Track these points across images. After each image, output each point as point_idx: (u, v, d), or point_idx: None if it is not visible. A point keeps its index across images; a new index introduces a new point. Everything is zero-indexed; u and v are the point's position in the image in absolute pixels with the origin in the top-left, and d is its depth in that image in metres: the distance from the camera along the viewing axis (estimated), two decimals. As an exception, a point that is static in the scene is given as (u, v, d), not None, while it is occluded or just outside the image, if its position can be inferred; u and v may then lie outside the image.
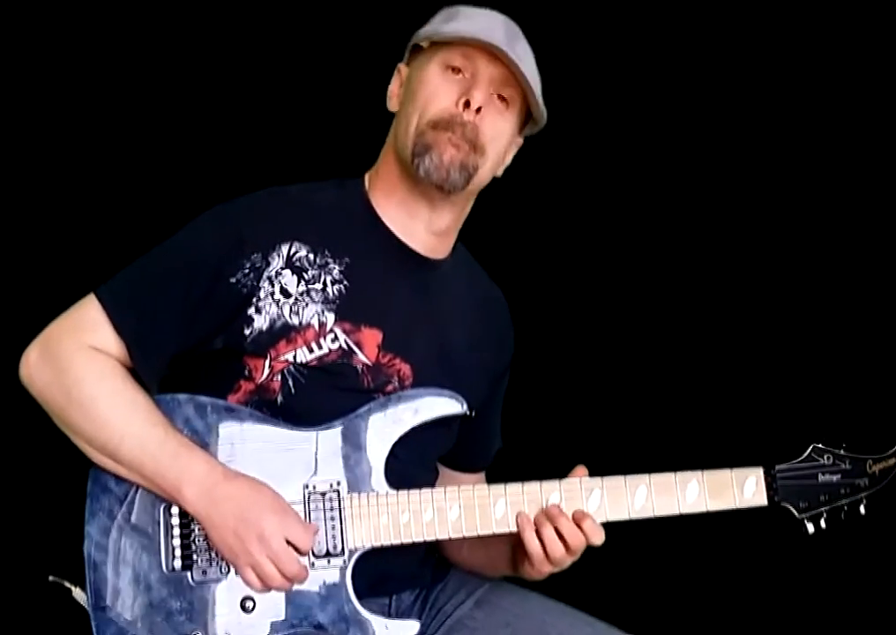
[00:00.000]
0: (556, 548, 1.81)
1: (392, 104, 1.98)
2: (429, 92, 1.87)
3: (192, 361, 1.93)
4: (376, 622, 1.83)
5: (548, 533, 1.81)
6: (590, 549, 2.70)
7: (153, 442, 1.80)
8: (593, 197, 2.83)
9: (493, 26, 1.88)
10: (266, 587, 1.78)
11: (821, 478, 1.87)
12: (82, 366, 1.83)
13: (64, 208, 2.65)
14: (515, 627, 1.92)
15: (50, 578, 1.87)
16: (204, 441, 1.84)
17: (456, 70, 1.88)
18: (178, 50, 2.68)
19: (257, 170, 2.52)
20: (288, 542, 1.77)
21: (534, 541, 1.81)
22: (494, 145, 1.90)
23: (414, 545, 1.93)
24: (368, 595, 1.86)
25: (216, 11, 2.68)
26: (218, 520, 1.77)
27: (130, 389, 1.84)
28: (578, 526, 1.81)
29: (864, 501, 1.88)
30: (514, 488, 1.86)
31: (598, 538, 1.82)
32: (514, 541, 1.90)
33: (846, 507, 1.88)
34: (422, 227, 1.95)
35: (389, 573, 1.93)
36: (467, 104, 1.85)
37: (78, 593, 1.85)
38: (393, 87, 1.99)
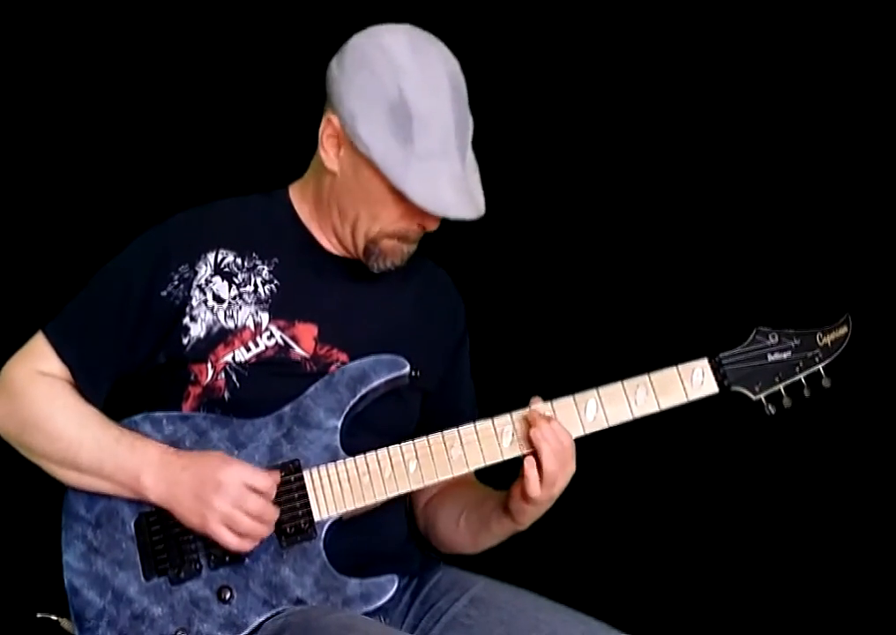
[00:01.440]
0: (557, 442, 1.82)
1: (329, 162, 1.89)
2: (387, 213, 1.87)
3: (142, 381, 1.98)
4: (352, 584, 1.81)
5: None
6: (583, 548, 2.66)
7: (109, 441, 1.86)
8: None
9: (453, 167, 1.83)
10: (243, 538, 1.79)
11: (771, 357, 1.84)
12: (33, 389, 1.90)
13: (17, 247, 2.69)
14: (510, 625, 1.87)
15: (38, 615, 1.89)
16: None
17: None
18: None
19: (187, 190, 2.52)
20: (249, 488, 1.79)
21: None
22: None
23: (391, 520, 1.95)
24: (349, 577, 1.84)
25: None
26: (178, 492, 1.81)
27: (81, 403, 1.90)
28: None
29: (823, 373, 1.84)
30: (467, 428, 1.86)
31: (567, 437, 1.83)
32: (503, 496, 1.92)
33: (804, 382, 1.84)
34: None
35: (371, 553, 1.90)
36: (421, 225, 1.89)
37: (65, 623, 1.87)
38: (328, 140, 1.88)
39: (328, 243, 1.98)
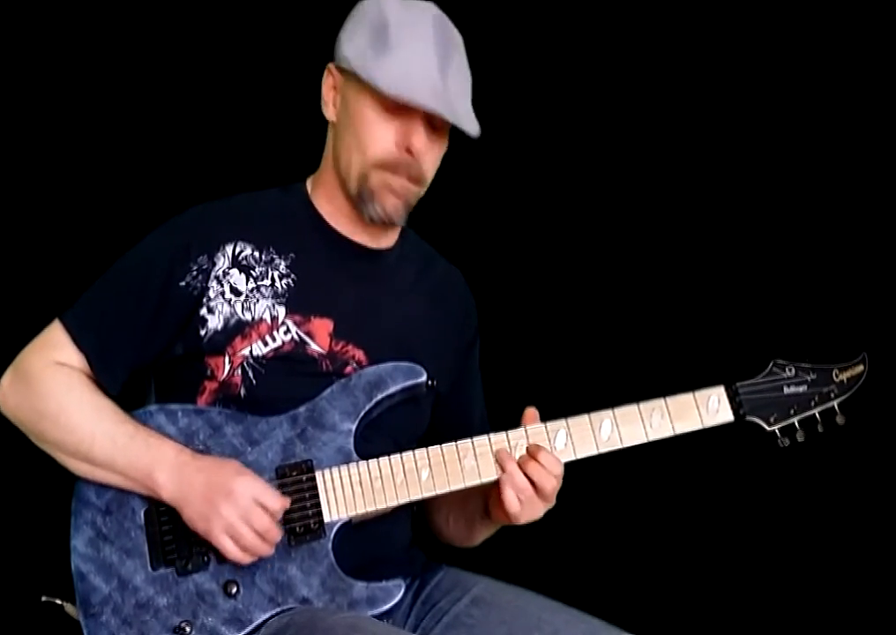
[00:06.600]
0: (524, 484, 1.84)
1: (329, 113, 1.98)
2: (371, 134, 1.91)
3: (158, 373, 2.00)
4: (359, 587, 1.82)
5: (511, 467, 1.84)
6: (586, 548, 2.67)
7: (123, 436, 1.86)
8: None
9: (426, 64, 1.87)
10: (244, 552, 1.79)
11: (787, 390, 1.86)
12: (49, 380, 1.90)
13: (32, 235, 2.69)
14: (511, 625, 1.88)
15: (43, 598, 1.89)
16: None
17: (391, 108, 1.90)
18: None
19: (204, 181, 2.55)
20: (258, 504, 1.79)
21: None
22: (433, 171, 1.97)
23: (398, 526, 1.96)
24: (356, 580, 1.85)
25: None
26: (189, 494, 1.81)
27: (97, 396, 1.90)
28: (537, 460, 1.84)
29: (838, 410, 1.86)
30: (481, 440, 1.87)
31: (557, 468, 1.84)
32: (486, 492, 1.93)
33: (819, 417, 1.86)
34: (364, 227, 2.00)
35: (375, 557, 1.92)
36: (408, 150, 1.90)
37: (69, 607, 1.87)
38: (328, 93, 1.98)
39: (342, 227, 1.99)
